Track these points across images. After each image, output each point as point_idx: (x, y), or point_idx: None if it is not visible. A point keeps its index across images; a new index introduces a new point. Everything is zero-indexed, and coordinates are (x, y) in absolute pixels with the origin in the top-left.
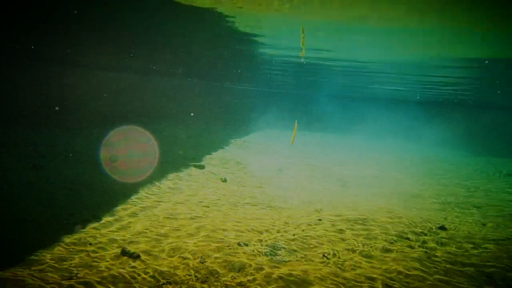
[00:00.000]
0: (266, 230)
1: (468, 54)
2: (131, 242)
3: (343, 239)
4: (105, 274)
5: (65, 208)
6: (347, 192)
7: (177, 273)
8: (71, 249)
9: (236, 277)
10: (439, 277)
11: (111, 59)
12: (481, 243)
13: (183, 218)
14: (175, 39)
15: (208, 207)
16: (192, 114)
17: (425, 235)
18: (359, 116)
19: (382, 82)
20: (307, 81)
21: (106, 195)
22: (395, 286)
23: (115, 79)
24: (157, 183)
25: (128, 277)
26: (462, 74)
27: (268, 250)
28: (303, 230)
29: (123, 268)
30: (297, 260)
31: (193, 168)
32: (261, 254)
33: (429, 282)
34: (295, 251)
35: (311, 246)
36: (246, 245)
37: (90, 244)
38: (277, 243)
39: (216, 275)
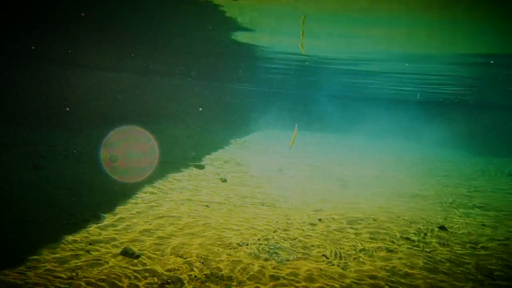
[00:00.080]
0: (266, 230)
1: (470, 50)
2: (131, 242)
3: (343, 239)
4: (105, 274)
5: (65, 208)
6: (347, 192)
7: (177, 273)
8: (71, 249)
9: (236, 277)
10: (439, 276)
11: (111, 59)
12: (481, 243)
13: (183, 218)
14: (175, 39)
15: (208, 207)
16: (197, 111)
17: (425, 235)
18: (359, 116)
19: (382, 79)
20: (307, 81)
21: (106, 195)
22: (395, 286)
23: (115, 79)
24: (157, 183)
25: (128, 277)
26: (463, 72)
27: (268, 250)
28: (303, 230)
29: (123, 268)
30: (297, 260)
31: (193, 168)
32: (261, 254)
33: (429, 282)
34: (295, 251)
35: (311, 246)
36: (246, 245)
37: (90, 244)
38: (277, 243)
39: (216, 275)
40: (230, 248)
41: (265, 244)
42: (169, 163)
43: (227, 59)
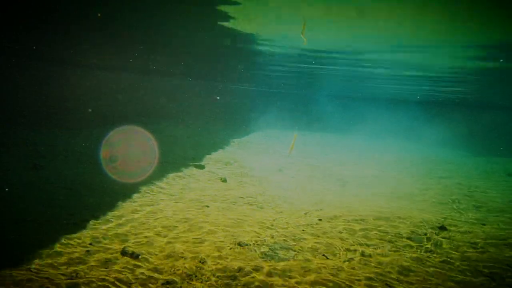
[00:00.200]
0: (266, 230)
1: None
2: (131, 242)
3: (343, 239)
4: (105, 274)
5: (65, 208)
6: (347, 192)
7: (177, 273)
8: (71, 249)
9: (236, 277)
10: (439, 276)
11: (111, 59)
12: (481, 243)
13: (183, 218)
14: (175, 39)
15: (208, 206)
16: (197, 111)
17: (425, 235)
18: (359, 116)
19: (382, 78)
20: (307, 81)
21: (106, 195)
22: (396, 285)
23: (115, 79)
24: (157, 183)
25: (128, 277)
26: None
27: (268, 250)
28: (303, 230)
29: (123, 268)
30: (297, 260)
31: (193, 168)
32: (261, 254)
33: (429, 282)
34: (295, 251)
35: (310, 246)
36: (246, 245)
37: (90, 244)
38: (277, 243)
39: (216, 275)
40: (230, 248)
41: (265, 244)
42: (169, 163)
43: (227, 59)
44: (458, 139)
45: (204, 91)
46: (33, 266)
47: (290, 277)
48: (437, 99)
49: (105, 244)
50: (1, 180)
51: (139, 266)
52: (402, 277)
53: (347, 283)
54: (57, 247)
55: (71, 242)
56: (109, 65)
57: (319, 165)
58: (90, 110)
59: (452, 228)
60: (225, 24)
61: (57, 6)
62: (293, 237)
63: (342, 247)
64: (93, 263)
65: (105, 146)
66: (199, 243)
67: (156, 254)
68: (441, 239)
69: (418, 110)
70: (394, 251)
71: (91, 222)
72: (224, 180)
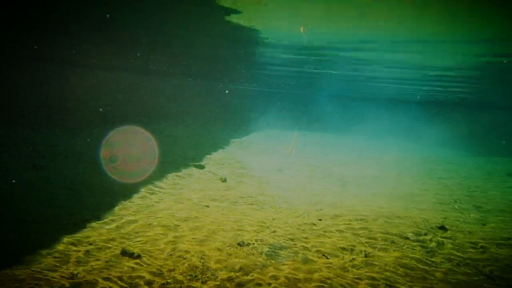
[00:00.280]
0: (266, 230)
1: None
2: (131, 242)
3: (342, 239)
4: (105, 274)
5: (65, 208)
6: (347, 192)
7: (177, 273)
8: (71, 249)
9: (236, 277)
10: (439, 277)
11: (111, 59)
12: (481, 243)
13: (183, 218)
14: (175, 39)
15: (208, 206)
16: (197, 111)
17: (425, 235)
18: (359, 116)
19: (382, 78)
20: (307, 81)
21: (106, 195)
22: (396, 286)
23: (115, 79)
24: (157, 183)
25: (128, 277)
26: (464, 73)
27: (268, 250)
28: (303, 230)
29: (123, 268)
30: (297, 260)
31: (193, 168)
32: (261, 254)
33: (429, 282)
34: (295, 251)
35: (311, 246)
36: (246, 245)
37: (90, 244)
38: (277, 243)
39: (216, 275)
40: (230, 248)
41: (265, 244)
42: (169, 163)
43: (227, 58)
44: (458, 139)
45: (204, 91)
46: (33, 266)
47: (290, 278)
48: (437, 99)
49: (105, 244)
50: (1, 180)
51: (139, 266)
52: (402, 277)
53: (348, 283)
54: (57, 247)
55: (71, 242)
56: (109, 65)
57: (319, 165)
58: (101, 109)
59: (452, 228)
60: (225, 23)
61: (57, 6)
62: (293, 237)
63: (342, 247)
64: (93, 263)
65: (105, 146)
66: (199, 243)
67: (156, 254)
68: (441, 239)
69: (418, 110)
70: (394, 251)
71: (91, 222)
72: (224, 180)
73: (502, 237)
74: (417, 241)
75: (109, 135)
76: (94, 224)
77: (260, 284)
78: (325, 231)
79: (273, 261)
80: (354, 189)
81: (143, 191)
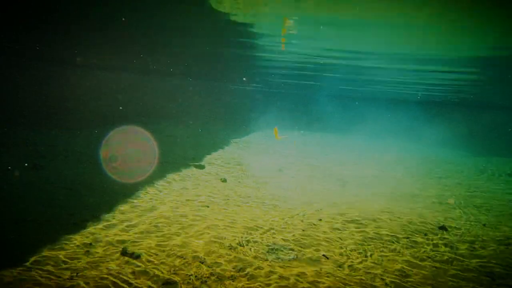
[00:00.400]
0: (266, 230)
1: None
2: (131, 242)
3: (342, 239)
4: (105, 274)
5: (65, 208)
6: (347, 192)
7: (177, 273)
8: (71, 249)
9: (236, 278)
10: (439, 276)
11: (111, 59)
12: (481, 243)
13: (183, 218)
14: (175, 39)
15: (208, 207)
16: (197, 111)
17: (426, 235)
18: (359, 116)
19: (382, 80)
20: (307, 80)
21: (106, 195)
22: (396, 285)
23: (115, 79)
24: (157, 183)
25: (128, 277)
26: (464, 74)
27: (268, 250)
28: (303, 230)
29: (123, 268)
30: (297, 260)
31: (193, 168)
32: (261, 254)
33: (429, 282)
34: (295, 251)
35: (311, 246)
36: (247, 245)
37: (90, 244)
38: (277, 243)
39: (216, 275)
40: (230, 248)
41: (265, 244)
42: (169, 163)
43: (227, 58)
44: (458, 139)
45: (204, 91)
46: (33, 266)
47: (290, 278)
48: (437, 99)
49: (105, 244)
50: (1, 180)
51: (139, 266)
52: (402, 277)
53: (348, 282)
54: (57, 247)
55: (71, 242)
56: (109, 65)
57: (319, 165)
58: (121, 108)
59: (452, 228)
60: (225, 23)
61: (57, 6)
62: (293, 237)
63: (342, 246)
64: (93, 263)
65: (105, 146)
66: (199, 243)
67: (156, 254)
68: (441, 239)
69: (418, 110)
70: (395, 251)
71: (91, 222)
72: (224, 180)
73: (502, 237)
74: (417, 241)
75: (109, 135)
76: (94, 224)
77: (260, 285)
78: (325, 231)
79: (273, 262)
80: (354, 189)
81: (143, 191)
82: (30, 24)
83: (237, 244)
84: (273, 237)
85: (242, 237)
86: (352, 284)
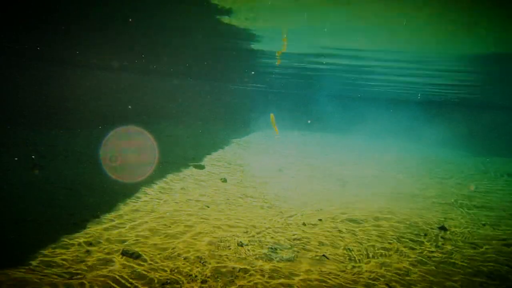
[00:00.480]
0: (267, 230)
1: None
2: (131, 242)
3: (343, 239)
4: (105, 274)
5: (65, 208)
6: (347, 192)
7: (178, 273)
8: (71, 249)
9: (236, 278)
10: (439, 276)
11: (111, 59)
12: (481, 243)
13: (183, 218)
14: (175, 39)
15: (208, 207)
16: (197, 111)
17: (426, 235)
18: (359, 116)
19: (382, 80)
20: (307, 81)
21: (106, 195)
22: (396, 286)
23: (115, 79)
24: (157, 184)
25: (128, 277)
26: (464, 74)
27: (268, 250)
28: (303, 231)
29: (124, 268)
30: (297, 260)
31: (193, 168)
32: (261, 254)
33: (429, 282)
34: (295, 251)
35: (311, 246)
36: (247, 245)
37: (91, 244)
38: (277, 243)
39: (216, 276)
40: (230, 248)
41: (265, 245)
42: (169, 163)
43: (227, 58)
44: (458, 139)
45: (204, 91)
46: (33, 266)
47: (290, 278)
48: (437, 99)
49: (105, 244)
50: (1, 180)
51: (139, 266)
52: (402, 277)
53: (347, 282)
54: (57, 247)
55: (71, 242)
56: (109, 65)
57: (319, 165)
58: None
59: (452, 228)
60: (226, 23)
61: (57, 6)
62: (293, 237)
63: (342, 247)
64: (93, 264)
65: (105, 146)
66: (199, 243)
67: (156, 254)
68: (442, 239)
69: (418, 110)
70: (394, 251)
71: (91, 222)
72: (224, 180)
73: (503, 237)
74: (417, 241)
75: (109, 135)
76: (94, 224)
77: (260, 285)
78: (325, 231)
79: (273, 262)
80: (354, 189)
81: (143, 191)
82: (30, 24)
83: (237, 244)
84: (274, 237)
85: (242, 237)
86: (352, 284)
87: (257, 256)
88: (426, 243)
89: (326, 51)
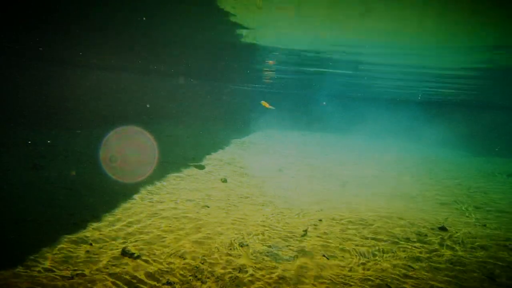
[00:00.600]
0: (267, 230)
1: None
2: (131, 242)
3: (343, 239)
4: (105, 274)
5: (65, 208)
6: (347, 192)
7: (177, 273)
8: (71, 249)
9: (236, 278)
10: (439, 277)
11: (111, 59)
12: (481, 244)
13: (184, 218)
14: (175, 39)
15: (208, 207)
16: (197, 111)
17: (426, 235)
18: (359, 116)
19: (383, 79)
20: (307, 81)
21: (106, 195)
22: (396, 286)
23: (115, 79)
24: (157, 184)
25: (128, 277)
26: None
27: (268, 250)
28: (303, 231)
29: (124, 268)
30: (297, 260)
31: (193, 168)
32: (262, 254)
33: (429, 283)
34: (295, 251)
35: (311, 246)
36: (247, 245)
37: (91, 244)
38: (277, 243)
39: (216, 276)
40: (231, 248)
41: (265, 244)
42: (169, 163)
43: (228, 58)
44: (458, 139)
45: (204, 91)
46: (33, 266)
47: (290, 278)
48: (437, 99)
49: (105, 244)
50: (1, 180)
51: (139, 266)
52: (402, 278)
53: (347, 282)
54: (57, 247)
55: (71, 242)
56: (109, 65)
57: (319, 165)
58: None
59: (453, 229)
60: (226, 23)
61: (57, 6)
62: (293, 238)
63: (342, 247)
64: (93, 264)
65: (105, 146)
66: (199, 243)
67: (156, 254)
68: (441, 239)
69: (418, 110)
70: (394, 251)
71: (91, 222)
72: (225, 181)
73: (503, 238)
74: (417, 241)
75: (109, 135)
76: (94, 224)
77: (260, 285)
78: (325, 232)
79: (274, 262)
80: (354, 189)
81: (143, 191)
82: (30, 24)
83: (237, 244)
84: (274, 237)
85: (242, 237)
86: (352, 283)
87: (258, 256)
88: (426, 243)
89: (326, 50)
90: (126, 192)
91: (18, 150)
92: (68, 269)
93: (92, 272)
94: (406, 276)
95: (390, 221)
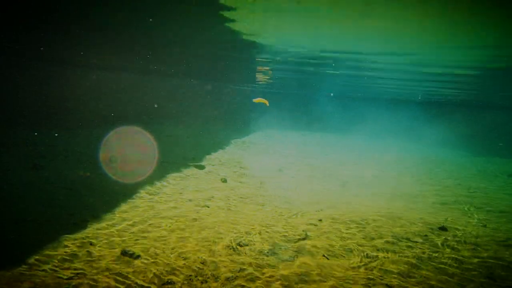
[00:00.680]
0: (267, 230)
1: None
2: (131, 242)
3: (343, 239)
4: (105, 274)
5: (65, 208)
6: (347, 192)
7: (178, 273)
8: (71, 249)
9: (236, 278)
10: (439, 277)
11: (111, 59)
12: (481, 244)
13: (184, 218)
14: (175, 39)
15: (208, 207)
16: (197, 111)
17: (426, 235)
18: (359, 116)
19: (384, 79)
20: (307, 81)
21: (106, 195)
22: (396, 286)
23: (115, 79)
24: (157, 184)
25: (129, 277)
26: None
27: (268, 250)
28: (303, 231)
29: (124, 269)
30: (297, 260)
31: (193, 168)
32: (262, 254)
33: (429, 283)
34: (295, 251)
35: (311, 246)
36: (247, 245)
37: (91, 244)
38: (277, 243)
39: (217, 276)
40: (230, 248)
41: (265, 245)
42: (169, 163)
43: (228, 59)
44: (458, 139)
45: (204, 91)
46: (33, 266)
47: (290, 278)
48: (437, 99)
49: (105, 244)
50: (1, 180)
51: (139, 266)
52: (402, 278)
53: (347, 282)
54: (57, 247)
55: (71, 242)
56: (109, 65)
57: (319, 165)
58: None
59: (453, 229)
60: (226, 23)
61: (57, 6)
62: (293, 238)
63: (343, 247)
64: (93, 264)
65: (105, 146)
66: (199, 243)
67: (157, 254)
68: (442, 240)
69: (418, 110)
70: (395, 251)
71: (91, 222)
72: (224, 181)
73: (503, 238)
74: (417, 241)
75: (109, 135)
76: (94, 224)
77: (260, 285)
78: (325, 232)
79: (273, 261)
80: (354, 189)
81: (143, 191)
82: (30, 24)
83: (237, 244)
84: (274, 237)
85: (242, 237)
86: (353, 283)
87: (258, 255)
88: (426, 243)
89: (327, 51)
90: (126, 192)
91: (18, 150)
92: (68, 269)
93: (92, 272)
94: (406, 276)
95: (390, 221)
